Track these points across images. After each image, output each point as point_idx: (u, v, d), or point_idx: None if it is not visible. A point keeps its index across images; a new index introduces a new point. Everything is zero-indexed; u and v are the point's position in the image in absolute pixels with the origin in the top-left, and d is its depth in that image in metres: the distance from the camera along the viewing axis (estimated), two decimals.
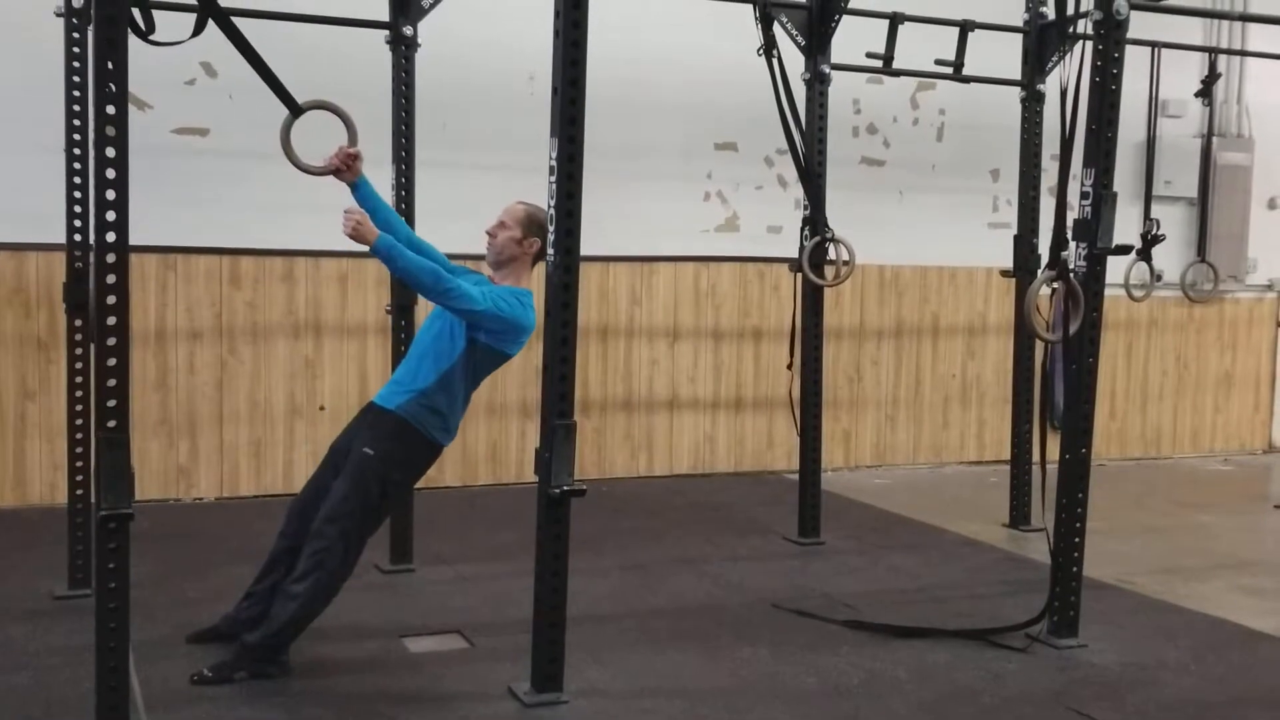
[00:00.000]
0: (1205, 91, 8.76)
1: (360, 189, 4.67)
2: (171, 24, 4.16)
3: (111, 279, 3.55)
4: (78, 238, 5.32)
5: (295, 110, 4.54)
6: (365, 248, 4.38)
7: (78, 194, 5.30)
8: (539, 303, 4.43)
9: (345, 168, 4.59)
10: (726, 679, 4.65)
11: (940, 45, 7.08)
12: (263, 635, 4.48)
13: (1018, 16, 7.17)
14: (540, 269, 4.43)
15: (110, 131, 3.52)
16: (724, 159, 8.62)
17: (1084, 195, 4.99)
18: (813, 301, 6.87)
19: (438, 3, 5.88)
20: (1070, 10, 5.60)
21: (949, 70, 7.13)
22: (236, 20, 4.13)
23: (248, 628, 4.58)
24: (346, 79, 6.84)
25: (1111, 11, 4.89)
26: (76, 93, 5.28)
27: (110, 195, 3.53)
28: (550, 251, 4.24)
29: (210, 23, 4.08)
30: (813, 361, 6.90)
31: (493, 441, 8.13)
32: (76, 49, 5.25)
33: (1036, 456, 5.49)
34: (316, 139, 4.63)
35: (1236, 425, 10.49)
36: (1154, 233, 7.66)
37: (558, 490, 4.23)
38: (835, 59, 6.72)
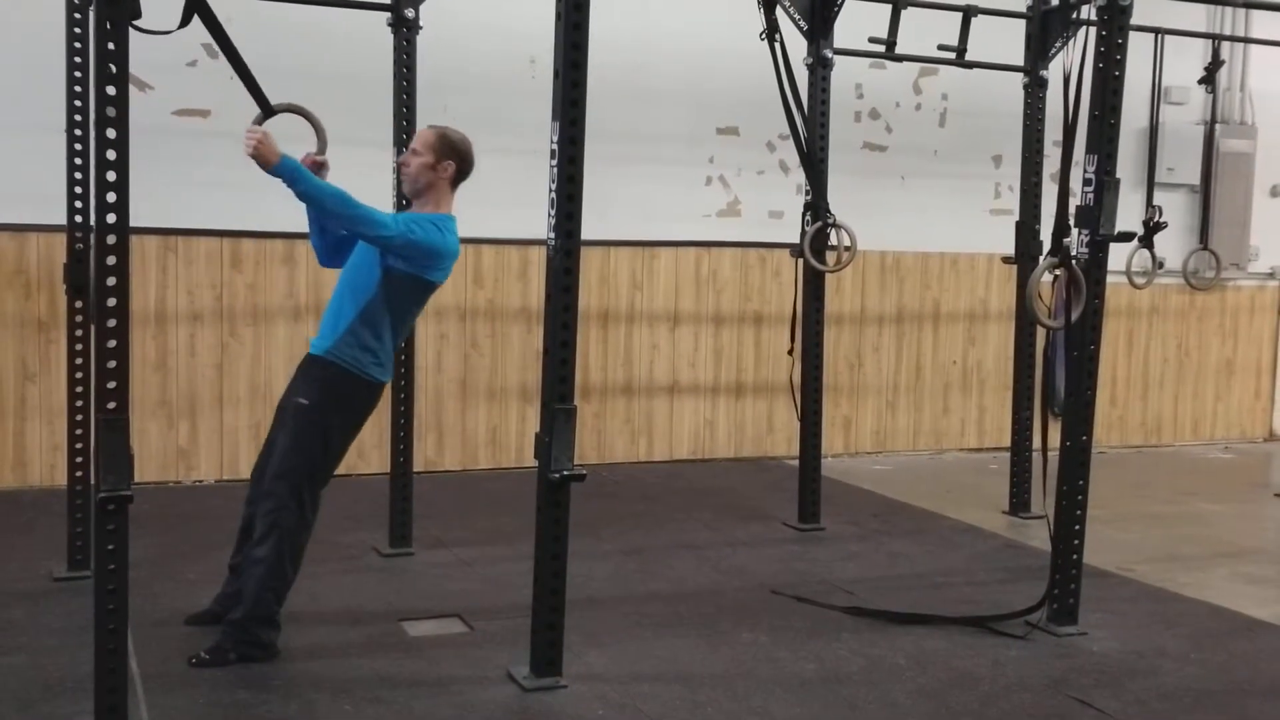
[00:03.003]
0: (1208, 78, 8.75)
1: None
2: (165, 8, 4.14)
3: (112, 260, 3.54)
4: (78, 219, 5.31)
5: (267, 110, 4.50)
6: (287, 186, 4.28)
7: (79, 175, 5.29)
8: (540, 285, 4.41)
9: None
10: (725, 664, 4.65)
11: (943, 30, 7.06)
12: (244, 609, 4.48)
13: (1021, 2, 7.16)
14: (541, 252, 4.41)
15: (111, 112, 3.50)
16: (726, 143, 8.60)
17: (1086, 182, 4.98)
18: (814, 287, 6.86)
19: None
20: None
21: (952, 55, 7.11)
22: (237, 1, 4.11)
23: (237, 602, 4.58)
24: (347, 61, 6.85)
25: None
26: (78, 73, 5.26)
27: (111, 176, 3.52)
28: (551, 235, 4.23)
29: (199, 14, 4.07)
30: (814, 347, 6.89)
31: (493, 426, 8.13)
32: (78, 29, 5.23)
33: (1037, 443, 5.50)
34: (286, 141, 4.53)
35: (1237, 413, 10.48)
36: (1156, 220, 7.68)
37: (557, 475, 4.22)
38: (837, 44, 6.70)
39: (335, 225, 4.52)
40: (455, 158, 4.65)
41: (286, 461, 4.50)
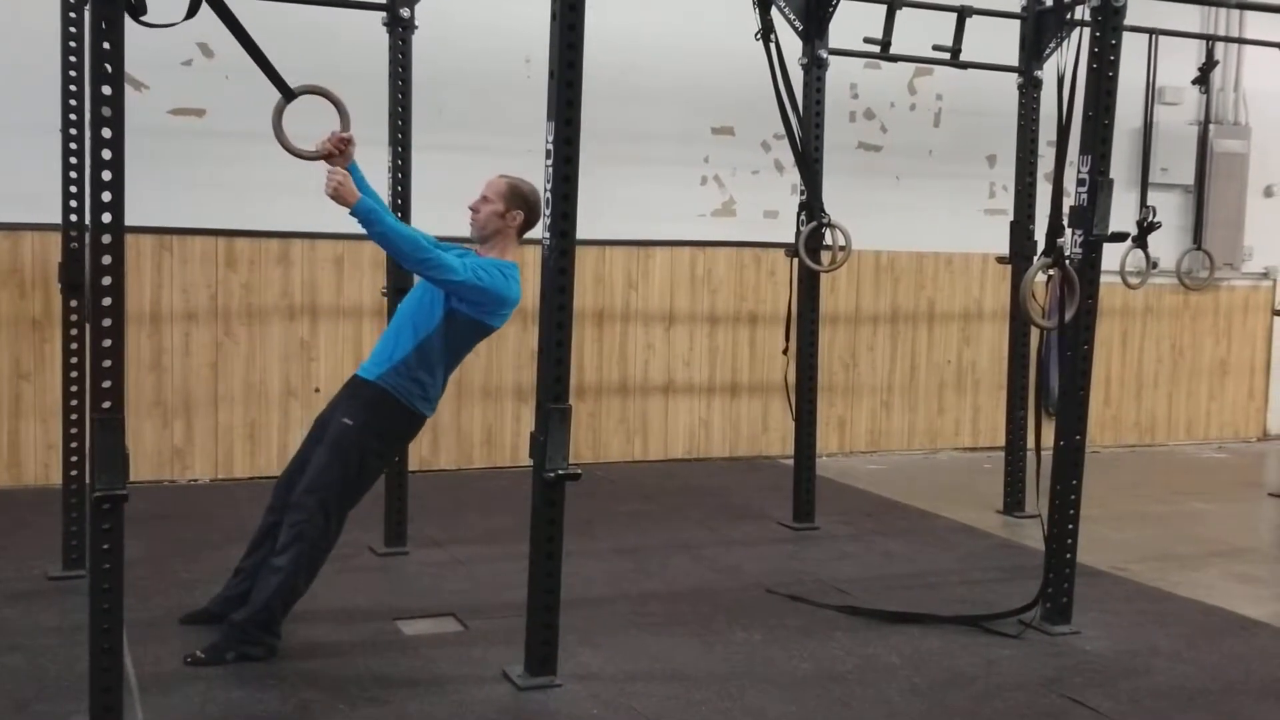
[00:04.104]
0: (1202, 79, 8.75)
1: (350, 175, 4.63)
2: (167, 4, 4.15)
3: (107, 259, 3.54)
4: (74, 218, 5.30)
5: (288, 94, 4.50)
6: (361, 226, 4.36)
7: (74, 174, 5.28)
8: (535, 285, 4.42)
9: (337, 152, 4.51)
10: (720, 663, 4.66)
11: (938, 31, 7.08)
12: (249, 612, 4.49)
13: (1016, 2, 7.17)
14: (537, 251, 4.42)
15: (106, 112, 3.50)
16: (721, 143, 8.60)
17: (1080, 182, 4.99)
18: (809, 287, 6.87)
19: None
20: None
21: (946, 56, 7.13)
22: (232, 0, 4.10)
23: (238, 605, 4.58)
24: (342, 61, 6.84)
25: None
26: (73, 73, 5.25)
27: (106, 176, 3.52)
28: (546, 235, 4.23)
29: (204, 5, 4.05)
30: (808, 347, 6.90)
31: (488, 425, 8.13)
32: (73, 29, 5.22)
33: (1031, 443, 5.51)
34: (309, 123, 4.59)
35: (1231, 413, 10.50)
36: (1150, 220, 7.68)
37: (552, 474, 4.23)
38: (833, 44, 6.71)
39: (405, 266, 4.60)
40: (524, 208, 4.72)
41: (321, 477, 4.53)
